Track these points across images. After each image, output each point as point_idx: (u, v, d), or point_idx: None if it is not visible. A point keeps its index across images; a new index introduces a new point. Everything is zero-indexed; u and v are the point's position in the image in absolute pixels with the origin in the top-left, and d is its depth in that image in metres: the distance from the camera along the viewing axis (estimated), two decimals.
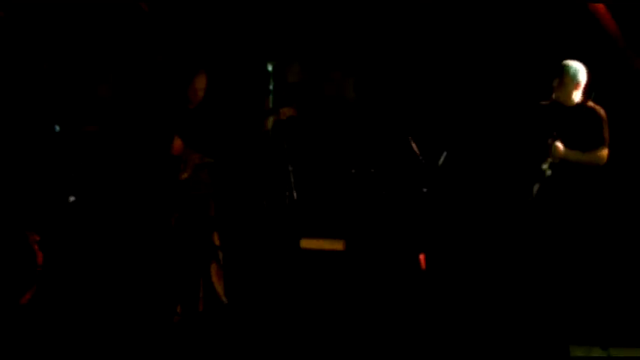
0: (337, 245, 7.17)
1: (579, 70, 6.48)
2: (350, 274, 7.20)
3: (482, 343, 6.13)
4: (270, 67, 6.52)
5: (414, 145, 7.13)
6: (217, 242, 6.71)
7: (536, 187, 6.46)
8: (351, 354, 5.98)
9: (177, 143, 6.71)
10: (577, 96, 6.50)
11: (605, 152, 6.41)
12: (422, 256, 6.96)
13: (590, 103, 6.49)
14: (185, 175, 6.66)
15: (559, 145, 6.37)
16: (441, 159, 7.14)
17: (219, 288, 6.65)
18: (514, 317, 6.38)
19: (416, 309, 6.75)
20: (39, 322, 6.37)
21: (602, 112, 6.46)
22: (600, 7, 7.24)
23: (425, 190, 7.16)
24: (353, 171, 7.66)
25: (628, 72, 7.38)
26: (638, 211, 7.09)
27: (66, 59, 8.15)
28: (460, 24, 7.86)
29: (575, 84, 6.46)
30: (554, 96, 6.52)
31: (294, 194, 6.60)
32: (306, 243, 6.99)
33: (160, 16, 8.10)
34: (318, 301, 6.89)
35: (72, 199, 7.10)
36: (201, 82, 6.78)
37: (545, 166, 6.45)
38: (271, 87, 6.49)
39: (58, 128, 7.31)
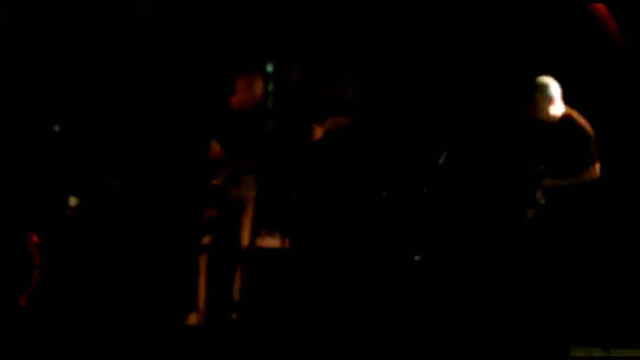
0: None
1: (548, 84, 6.40)
2: (349, 273, 7.21)
3: (483, 344, 6.13)
4: (270, 67, 6.48)
5: (413, 146, 7.13)
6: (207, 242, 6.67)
7: (531, 212, 6.45)
8: (352, 353, 5.99)
9: (216, 148, 6.56)
10: (556, 110, 6.41)
11: (596, 168, 6.29)
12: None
13: (574, 116, 6.37)
14: (220, 181, 6.56)
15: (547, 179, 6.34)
16: (441, 159, 7.14)
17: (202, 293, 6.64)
18: (515, 318, 6.39)
19: (416, 310, 6.75)
20: (37, 323, 6.37)
21: (587, 127, 6.34)
22: (600, 7, 7.23)
23: (425, 190, 7.15)
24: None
25: (628, 72, 7.38)
26: (637, 212, 7.10)
27: (66, 59, 8.16)
28: (460, 24, 7.85)
29: (549, 99, 6.38)
30: (532, 117, 6.43)
31: (294, 194, 6.60)
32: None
33: (160, 16, 8.10)
34: (317, 300, 6.89)
35: (73, 202, 7.10)
36: (259, 86, 6.63)
37: (538, 195, 6.42)
38: (271, 87, 6.46)
39: (58, 128, 7.31)
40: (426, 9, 7.84)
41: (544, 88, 6.41)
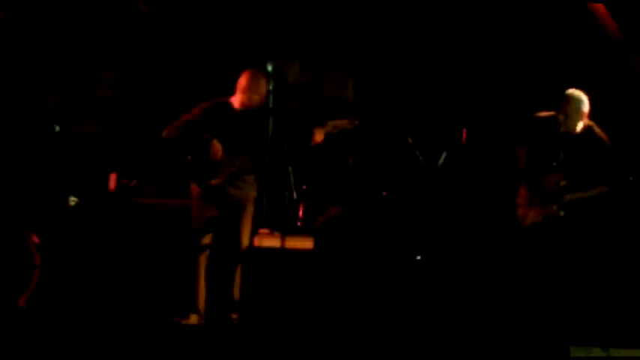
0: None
1: (582, 100, 6.36)
2: (350, 273, 7.21)
3: (484, 344, 6.13)
4: (270, 67, 6.46)
5: (413, 146, 7.14)
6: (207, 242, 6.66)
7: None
8: (353, 352, 6.00)
9: (217, 147, 6.54)
10: (582, 124, 6.40)
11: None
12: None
13: (595, 129, 6.36)
14: (220, 181, 6.55)
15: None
16: (441, 159, 7.15)
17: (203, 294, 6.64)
18: (515, 318, 6.39)
19: (416, 310, 6.75)
20: (37, 323, 6.37)
21: (607, 141, 6.35)
22: (600, 7, 7.24)
23: (424, 192, 7.16)
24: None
25: (628, 72, 7.38)
26: (637, 212, 7.09)
27: (66, 59, 8.16)
28: (460, 24, 7.86)
29: (581, 114, 6.35)
30: (562, 129, 6.39)
31: (294, 194, 6.59)
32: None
33: (160, 16, 8.11)
34: (318, 300, 6.89)
35: (73, 201, 7.09)
36: (265, 86, 6.59)
37: (557, 208, 6.39)
38: (271, 87, 6.45)
39: (58, 128, 7.31)
40: (425, 9, 7.85)
41: (579, 103, 6.37)
